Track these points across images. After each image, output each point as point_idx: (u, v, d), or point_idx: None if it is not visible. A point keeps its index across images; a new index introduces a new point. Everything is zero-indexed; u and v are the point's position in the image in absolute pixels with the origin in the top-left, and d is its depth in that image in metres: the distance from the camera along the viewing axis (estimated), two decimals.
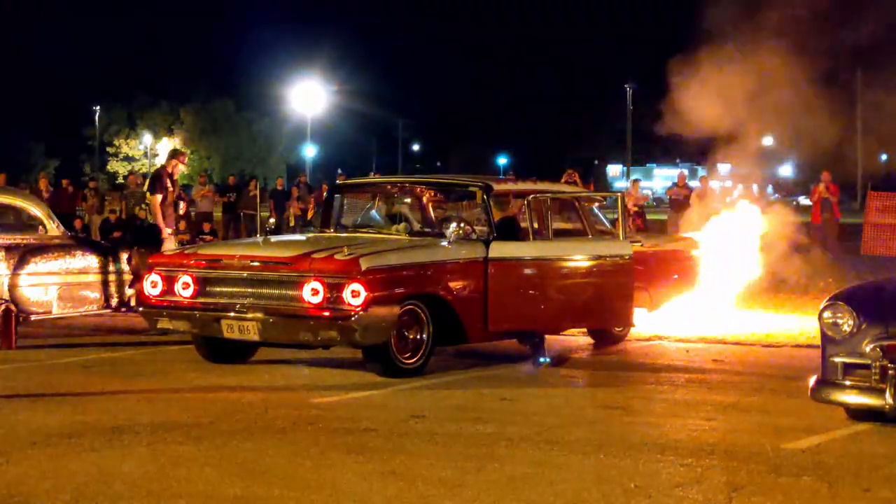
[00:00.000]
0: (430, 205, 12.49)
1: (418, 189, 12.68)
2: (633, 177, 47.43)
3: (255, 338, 10.70)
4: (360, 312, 10.10)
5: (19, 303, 13.06)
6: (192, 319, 10.96)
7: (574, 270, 11.71)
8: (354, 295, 10.12)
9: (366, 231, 12.18)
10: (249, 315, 10.59)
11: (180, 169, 15.63)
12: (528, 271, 11.40)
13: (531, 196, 11.70)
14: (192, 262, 11.15)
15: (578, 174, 22.95)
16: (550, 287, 11.47)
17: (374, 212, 12.75)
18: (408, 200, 12.77)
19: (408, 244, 11.39)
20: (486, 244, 11.20)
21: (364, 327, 10.15)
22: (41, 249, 13.60)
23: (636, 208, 26.02)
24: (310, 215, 27.88)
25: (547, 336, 11.74)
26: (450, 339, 11.06)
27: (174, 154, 15.95)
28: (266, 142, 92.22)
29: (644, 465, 7.35)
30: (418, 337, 10.70)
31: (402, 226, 12.18)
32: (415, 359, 10.67)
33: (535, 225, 11.59)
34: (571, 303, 11.57)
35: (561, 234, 12.24)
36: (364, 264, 10.28)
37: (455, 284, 10.94)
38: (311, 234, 12.62)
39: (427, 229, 12.14)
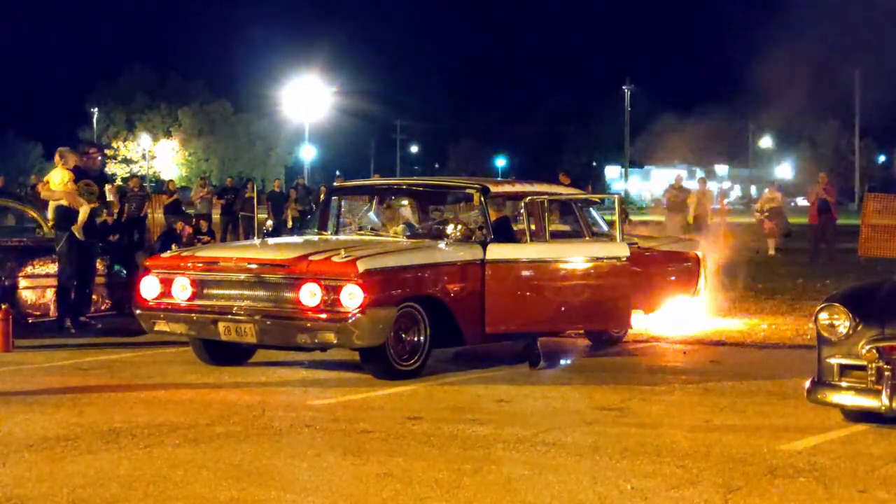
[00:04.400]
0: (427, 207, 12.49)
1: (416, 191, 12.68)
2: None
3: (253, 340, 10.70)
4: (358, 314, 10.10)
5: (17, 305, 13.09)
6: (189, 322, 10.95)
7: (571, 272, 11.70)
8: (352, 297, 10.12)
9: (363, 233, 12.19)
10: (247, 317, 10.58)
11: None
12: (524, 273, 11.39)
13: (528, 198, 11.71)
14: (188, 264, 11.14)
15: (571, 177, 22.89)
16: (547, 289, 11.46)
17: (371, 214, 12.76)
18: (405, 202, 12.78)
19: (405, 246, 11.39)
20: (483, 246, 11.21)
21: (361, 329, 10.15)
22: (39, 251, 13.62)
23: (765, 213, 25.58)
24: None
25: (544, 338, 11.73)
26: (447, 341, 11.06)
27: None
28: (264, 143, 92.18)
29: (640, 466, 7.36)
30: (415, 339, 10.70)
31: (399, 228, 12.19)
32: (412, 361, 10.67)
33: (532, 227, 11.59)
34: (568, 304, 11.56)
35: (558, 235, 12.25)
36: (361, 266, 10.28)
37: (452, 286, 10.94)
38: (308, 237, 12.60)
39: (425, 231, 12.14)
